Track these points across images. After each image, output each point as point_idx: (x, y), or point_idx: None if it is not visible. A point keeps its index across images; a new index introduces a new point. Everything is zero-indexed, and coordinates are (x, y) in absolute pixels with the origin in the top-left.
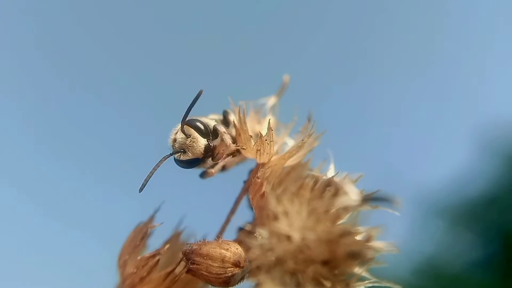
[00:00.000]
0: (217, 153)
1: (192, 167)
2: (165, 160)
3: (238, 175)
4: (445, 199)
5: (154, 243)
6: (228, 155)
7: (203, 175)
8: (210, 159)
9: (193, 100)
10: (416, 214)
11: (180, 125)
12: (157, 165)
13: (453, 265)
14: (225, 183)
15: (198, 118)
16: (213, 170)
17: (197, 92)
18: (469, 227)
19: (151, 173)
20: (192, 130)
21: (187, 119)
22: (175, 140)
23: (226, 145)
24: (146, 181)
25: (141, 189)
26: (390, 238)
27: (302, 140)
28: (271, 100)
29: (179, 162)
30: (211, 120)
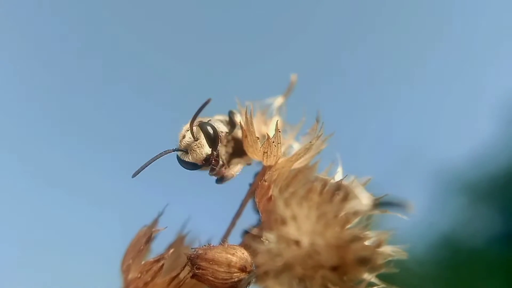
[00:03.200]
0: (216, 167)
1: (191, 170)
2: (165, 153)
3: (244, 177)
4: (466, 174)
5: (158, 247)
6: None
7: (218, 181)
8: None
9: (200, 108)
10: (436, 189)
11: (191, 125)
12: (157, 156)
13: (472, 240)
14: (231, 186)
15: (211, 123)
16: (229, 174)
17: (205, 100)
18: (489, 203)
19: (149, 162)
20: (202, 134)
21: (200, 122)
22: (184, 137)
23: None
24: (142, 168)
25: (134, 175)
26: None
27: (310, 142)
28: (278, 100)
29: (180, 160)
30: (219, 122)
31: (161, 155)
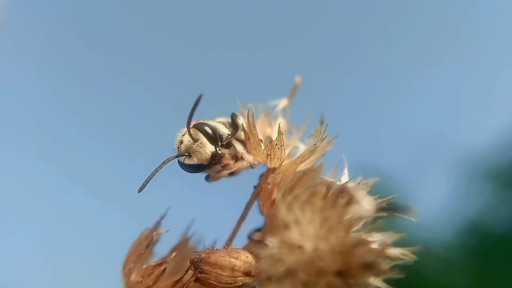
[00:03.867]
0: (225, 164)
1: (196, 172)
2: (168, 162)
3: (248, 179)
4: (491, 160)
5: (161, 250)
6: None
7: (208, 178)
8: (215, 168)
9: (194, 105)
10: (461, 176)
11: (188, 126)
12: (160, 167)
13: (499, 226)
14: (235, 188)
15: (207, 122)
16: (219, 175)
17: (197, 96)
18: None
19: (153, 174)
20: (200, 134)
21: (196, 123)
22: (181, 142)
23: (242, 160)
24: (147, 182)
25: (140, 190)
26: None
27: (315, 144)
28: (282, 102)
29: (183, 166)
30: (221, 125)
31: (163, 164)
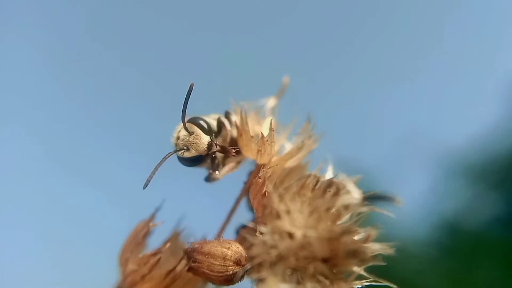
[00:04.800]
0: (223, 149)
1: (196, 165)
2: (168, 157)
3: (238, 176)
4: (469, 157)
5: (153, 242)
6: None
7: (208, 179)
8: (213, 159)
9: (187, 95)
10: (438, 172)
11: (182, 123)
12: (161, 163)
13: (475, 223)
14: (225, 184)
15: (201, 117)
16: (219, 175)
17: (189, 86)
18: (492, 185)
19: (155, 169)
20: (195, 127)
21: (190, 117)
22: (178, 138)
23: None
24: (151, 177)
25: (145, 186)
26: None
27: (302, 141)
28: (271, 101)
29: (183, 160)
30: (214, 121)
31: (163, 160)
